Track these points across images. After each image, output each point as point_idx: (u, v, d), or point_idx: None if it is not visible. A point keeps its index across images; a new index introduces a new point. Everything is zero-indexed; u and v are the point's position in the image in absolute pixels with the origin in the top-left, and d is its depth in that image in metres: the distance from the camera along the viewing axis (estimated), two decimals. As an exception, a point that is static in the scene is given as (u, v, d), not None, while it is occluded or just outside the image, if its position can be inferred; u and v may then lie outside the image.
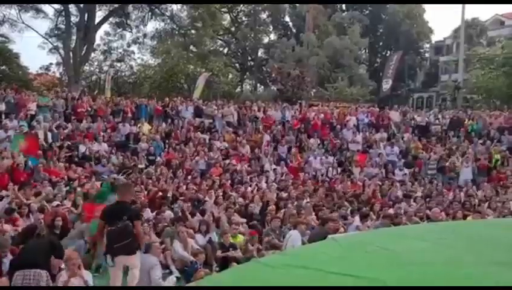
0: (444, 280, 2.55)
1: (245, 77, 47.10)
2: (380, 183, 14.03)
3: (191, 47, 39.93)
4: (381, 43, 47.24)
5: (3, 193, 10.25)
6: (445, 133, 19.06)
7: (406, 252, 3.14)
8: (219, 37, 44.35)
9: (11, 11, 32.24)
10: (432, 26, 45.93)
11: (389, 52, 44.63)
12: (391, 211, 9.85)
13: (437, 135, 18.89)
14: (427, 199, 12.04)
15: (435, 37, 48.41)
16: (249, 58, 45.89)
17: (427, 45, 49.07)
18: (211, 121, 18.36)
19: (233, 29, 45.00)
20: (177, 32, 39.19)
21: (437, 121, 19.72)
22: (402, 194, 12.51)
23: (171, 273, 7.51)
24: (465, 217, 9.80)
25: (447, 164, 15.69)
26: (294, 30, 44.69)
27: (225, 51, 46.00)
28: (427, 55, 49.88)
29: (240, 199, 11.57)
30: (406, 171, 15.88)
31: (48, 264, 5.71)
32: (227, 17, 44.21)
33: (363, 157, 16.48)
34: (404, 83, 44.33)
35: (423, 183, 14.60)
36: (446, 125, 19.39)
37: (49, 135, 14.81)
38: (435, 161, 15.97)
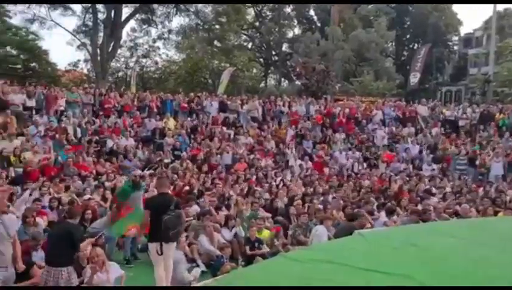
0: (474, 278, 2.50)
1: (269, 71, 47.00)
2: (408, 178, 13.81)
3: (216, 42, 40.08)
4: (408, 36, 46.39)
5: (34, 185, 10.53)
6: (475, 127, 18.60)
7: (435, 248, 3.09)
8: (243, 31, 44.34)
9: (41, 9, 33.08)
10: (460, 18, 44.88)
11: (416, 45, 43.80)
12: (419, 206, 9.68)
13: (466, 130, 18.46)
14: (457, 195, 11.77)
15: (464, 29, 47.26)
16: (273, 52, 45.73)
17: (456, 38, 47.91)
18: (235, 116, 18.42)
19: (257, 23, 44.93)
20: (201, 28, 39.38)
21: (464, 116, 19.25)
22: (424, 189, 12.26)
23: (197, 266, 7.58)
24: (495, 213, 9.55)
25: (477, 160, 15.32)
26: (319, 24, 44.30)
27: (249, 45, 45.98)
28: (455, 48, 48.70)
29: (266, 194, 11.58)
30: (435, 166, 15.58)
31: (69, 259, 5.63)
32: (252, 11, 44.15)
33: (390, 156, 16.18)
34: (432, 77, 43.44)
35: (452, 179, 14.30)
36: (476, 119, 18.93)
37: (78, 130, 15.13)
38: (464, 156, 15.61)
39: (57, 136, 14.08)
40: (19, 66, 32.81)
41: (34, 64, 33.43)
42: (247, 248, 8.30)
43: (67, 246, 5.51)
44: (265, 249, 8.24)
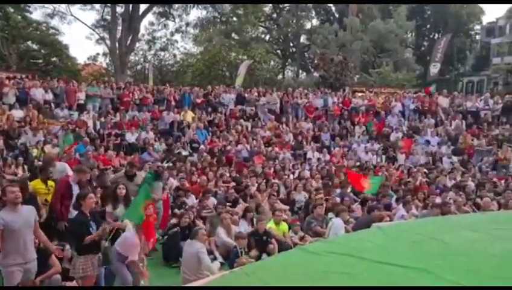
0: (496, 272, 2.45)
1: (287, 63, 46.74)
2: (427, 171, 13.60)
3: (233, 34, 40.03)
4: (428, 26, 45.53)
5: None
6: (498, 119, 18.21)
7: (456, 242, 3.03)
8: (261, 23, 44.15)
9: (61, 4, 33.50)
10: (483, 6, 43.77)
11: (437, 35, 43.01)
12: (438, 199, 9.54)
13: (488, 121, 18.08)
14: (479, 188, 11.56)
15: (487, 18, 46.23)
16: (291, 44, 45.44)
17: (478, 27, 46.85)
18: (252, 108, 18.40)
19: (274, 15, 44.63)
20: (219, 20, 39.37)
21: (487, 107, 18.85)
22: (452, 184, 12.05)
23: (215, 259, 7.63)
24: (518, 206, 9.37)
25: (500, 154, 15.00)
26: (337, 15, 43.76)
27: (267, 37, 45.74)
28: (477, 37, 47.65)
29: (283, 187, 11.57)
30: (455, 159, 15.32)
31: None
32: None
33: (409, 142, 16.00)
34: (453, 67, 42.62)
35: (473, 172, 14.04)
36: (499, 110, 18.52)
37: (98, 123, 15.32)
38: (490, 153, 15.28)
39: (77, 129, 14.28)
40: (40, 61, 33.36)
41: (54, 58, 33.94)
42: (254, 240, 8.00)
43: None
44: (274, 242, 7.98)
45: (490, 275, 2.40)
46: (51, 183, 7.58)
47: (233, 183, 11.36)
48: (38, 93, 15.77)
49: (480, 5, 43.20)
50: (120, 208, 7.11)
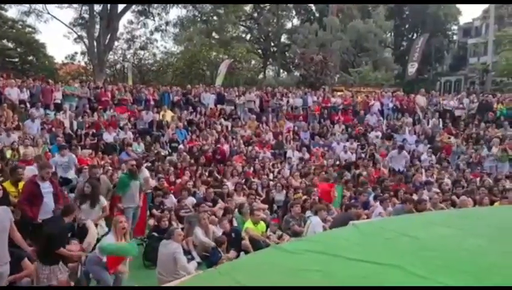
0: (467, 268, 2.47)
1: (268, 62, 46.80)
2: (405, 169, 13.77)
3: (214, 34, 39.86)
4: (407, 26, 46.13)
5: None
6: (473, 117, 18.55)
7: (428, 238, 3.06)
8: (241, 23, 44.12)
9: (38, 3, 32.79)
10: (460, 7, 44.54)
11: (415, 34, 43.58)
12: (414, 197, 9.66)
13: (464, 120, 18.40)
14: (455, 185, 11.75)
15: (464, 19, 47.13)
16: (272, 43, 45.51)
17: (455, 27, 47.70)
18: (232, 107, 18.34)
19: (255, 14, 44.63)
20: (199, 19, 39.17)
21: (461, 106, 19.17)
22: (424, 181, 12.24)
23: (192, 259, 7.56)
24: (492, 203, 9.55)
25: (474, 153, 15.29)
26: (317, 14, 44.01)
27: (247, 37, 45.75)
28: (455, 37, 48.50)
29: (260, 187, 11.56)
30: (433, 157, 15.55)
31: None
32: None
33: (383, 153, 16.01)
34: (431, 67, 43.28)
35: (450, 170, 14.26)
36: (474, 109, 18.87)
37: (75, 123, 15.05)
38: (465, 151, 15.54)
39: (53, 129, 14.00)
40: (16, 60, 32.70)
41: (31, 57, 33.31)
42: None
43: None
44: (245, 236, 8.06)
45: (460, 269, 2.43)
46: (21, 185, 7.41)
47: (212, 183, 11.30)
48: (14, 93, 15.37)
49: (457, 6, 44.00)
50: (86, 204, 7.44)
